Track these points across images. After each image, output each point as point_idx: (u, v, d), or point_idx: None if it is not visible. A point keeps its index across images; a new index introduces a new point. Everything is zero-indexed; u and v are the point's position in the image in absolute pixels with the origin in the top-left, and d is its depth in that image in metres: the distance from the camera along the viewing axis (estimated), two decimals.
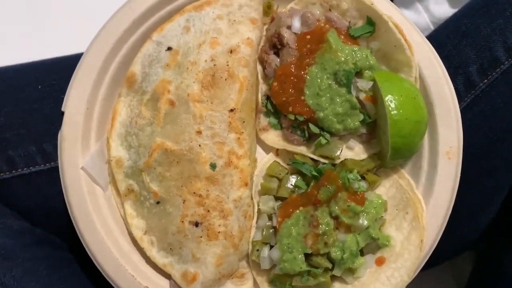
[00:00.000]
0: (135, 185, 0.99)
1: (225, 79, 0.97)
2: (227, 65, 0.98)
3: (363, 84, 0.99)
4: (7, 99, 1.09)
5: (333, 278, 0.98)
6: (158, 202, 0.97)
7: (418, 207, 0.98)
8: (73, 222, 0.97)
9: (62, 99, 0.99)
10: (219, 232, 0.95)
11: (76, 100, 0.99)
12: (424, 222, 0.97)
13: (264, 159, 1.06)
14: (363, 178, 1.01)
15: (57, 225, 1.08)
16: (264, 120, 1.06)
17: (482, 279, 1.16)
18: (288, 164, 1.03)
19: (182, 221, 0.95)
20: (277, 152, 1.06)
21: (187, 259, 0.96)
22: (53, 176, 1.04)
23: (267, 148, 1.07)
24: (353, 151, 1.03)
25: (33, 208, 1.08)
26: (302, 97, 1.00)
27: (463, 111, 0.99)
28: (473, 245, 1.18)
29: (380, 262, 0.98)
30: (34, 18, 1.46)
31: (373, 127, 1.02)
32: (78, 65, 1.00)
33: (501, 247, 1.11)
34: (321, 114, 0.98)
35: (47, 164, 1.07)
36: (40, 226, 1.08)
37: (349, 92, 0.98)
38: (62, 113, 0.99)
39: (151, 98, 0.99)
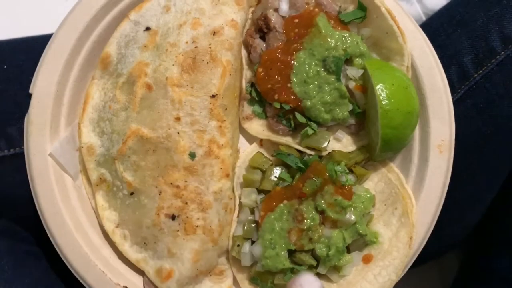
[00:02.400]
0: (108, 175, 0.93)
1: (207, 63, 0.91)
2: (209, 47, 0.92)
3: (353, 72, 0.95)
4: None
5: (318, 276, 0.93)
6: (132, 193, 0.91)
7: (407, 202, 0.94)
8: (39, 213, 0.90)
9: (30, 80, 0.92)
10: (197, 226, 0.89)
11: (46, 82, 0.92)
12: (414, 218, 0.92)
13: (247, 150, 1.00)
14: (350, 171, 0.97)
15: (21, 216, 1.01)
16: (248, 109, 1.01)
17: (469, 277, 1.13)
18: (272, 156, 0.98)
19: (158, 214, 0.89)
20: (261, 142, 1.01)
21: (162, 255, 0.90)
22: (18, 163, 0.96)
23: (250, 138, 1.01)
24: (341, 143, 0.98)
25: None
26: (289, 85, 0.94)
27: (456, 103, 0.95)
28: (461, 244, 1.14)
29: (367, 259, 0.93)
30: None
31: (362, 118, 0.98)
32: (48, 43, 0.93)
33: (490, 245, 1.08)
34: (308, 103, 0.93)
35: (11, 150, 1.00)
36: (2, 216, 1.01)
37: (338, 80, 0.93)
38: (30, 96, 0.91)
39: (126, 81, 0.93)
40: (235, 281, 0.95)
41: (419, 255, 0.95)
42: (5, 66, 1.02)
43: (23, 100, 0.92)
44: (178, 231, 0.89)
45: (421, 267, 1.26)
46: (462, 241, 1.12)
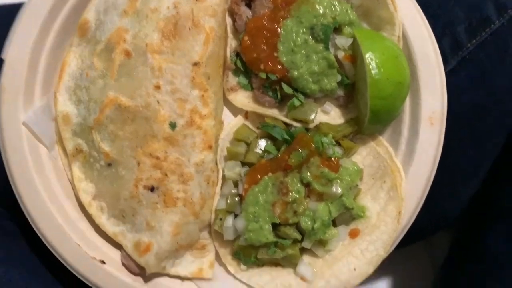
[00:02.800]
0: (84, 145, 0.89)
1: (189, 29, 0.87)
2: (192, 13, 0.88)
3: (342, 41, 0.91)
4: None
5: (302, 251, 0.90)
6: (109, 164, 0.87)
7: (396, 176, 0.91)
8: (11, 184, 0.87)
9: (2, 45, 0.87)
10: (177, 198, 0.86)
11: (19, 48, 0.88)
12: (403, 192, 0.90)
13: (232, 122, 0.97)
14: (338, 144, 0.94)
15: None
16: (233, 80, 0.97)
17: (461, 256, 1.10)
18: (257, 128, 0.94)
19: (136, 186, 0.86)
20: (246, 115, 0.97)
21: (141, 228, 0.86)
22: None
23: (235, 111, 0.98)
24: (329, 116, 0.95)
25: None
26: (275, 54, 0.91)
27: (448, 74, 0.92)
28: (452, 222, 1.12)
29: (354, 234, 0.90)
30: None
31: (351, 90, 0.95)
32: (22, 7, 0.89)
33: (483, 222, 1.06)
34: (295, 73, 0.90)
35: None
36: None
37: (327, 48, 0.90)
38: (2, 61, 0.87)
39: (105, 48, 0.89)
40: (217, 256, 0.92)
41: (410, 233, 0.92)
42: None
43: None
44: (157, 203, 0.85)
45: (411, 247, 1.24)
46: (454, 218, 1.09)
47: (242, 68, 0.96)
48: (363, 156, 0.96)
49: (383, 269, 1.19)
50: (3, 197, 0.96)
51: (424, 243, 1.35)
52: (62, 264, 0.87)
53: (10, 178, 0.86)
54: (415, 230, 0.92)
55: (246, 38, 0.92)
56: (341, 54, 0.91)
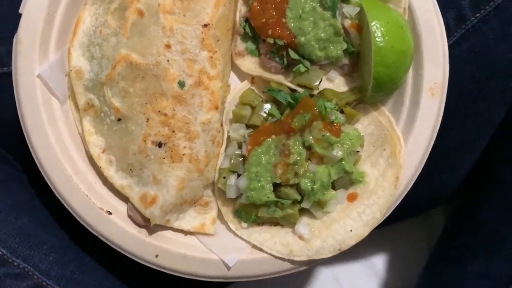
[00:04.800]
0: (96, 100, 0.94)
1: None
2: None
3: (349, 9, 0.94)
4: None
5: (302, 211, 0.95)
6: (119, 119, 0.92)
7: (396, 143, 0.95)
8: (24, 133, 0.91)
9: (20, 1, 0.92)
10: (183, 154, 0.91)
11: (36, 3, 0.92)
12: (402, 159, 0.94)
13: (238, 86, 1.01)
14: (341, 112, 0.97)
15: (6, 138, 1.02)
16: (241, 45, 1.01)
17: (457, 231, 1.15)
18: (263, 92, 0.99)
19: (145, 141, 0.90)
20: (253, 80, 1.02)
21: (148, 181, 0.91)
22: (5, 82, 0.97)
23: (242, 76, 1.02)
24: (333, 83, 0.99)
25: None
26: (284, 20, 0.94)
27: (451, 47, 0.95)
28: (449, 196, 1.16)
29: (352, 198, 0.95)
30: None
31: (356, 60, 0.98)
32: None
33: (479, 197, 1.10)
34: (302, 39, 0.94)
35: None
36: None
37: (334, 16, 0.93)
38: (20, 15, 0.92)
39: (118, 7, 0.93)
40: (219, 214, 0.97)
41: (407, 206, 0.96)
42: None
43: (13, 20, 0.92)
44: (164, 158, 0.90)
45: (407, 224, 1.28)
46: (451, 192, 1.13)
47: (250, 34, 1.00)
48: (364, 125, 1.00)
49: (380, 245, 1.25)
50: (14, 146, 1.00)
51: (420, 220, 1.39)
52: (68, 213, 0.92)
53: (23, 128, 0.91)
54: (412, 203, 0.96)
55: (255, 3, 0.96)
56: (347, 23, 0.95)
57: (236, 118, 0.97)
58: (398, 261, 1.41)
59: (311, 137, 0.91)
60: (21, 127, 0.92)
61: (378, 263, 1.40)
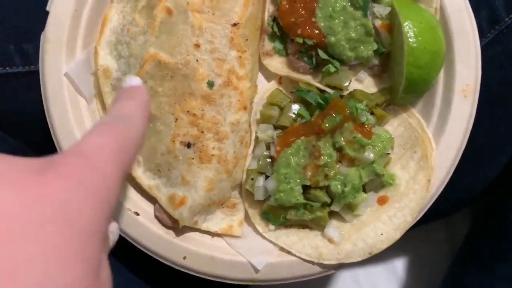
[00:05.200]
0: None
1: None
2: None
3: (380, 9, 0.94)
4: None
5: (331, 214, 0.94)
6: None
7: (427, 146, 0.94)
8: (51, 133, 0.91)
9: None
10: (212, 155, 0.90)
11: (64, 0, 0.91)
12: (433, 162, 0.93)
13: (265, 86, 1.00)
14: (371, 113, 0.96)
15: (31, 137, 1.01)
16: (268, 44, 1.00)
17: (481, 235, 1.14)
18: (291, 93, 0.98)
19: (173, 141, 0.89)
20: (280, 80, 1.01)
21: (176, 182, 0.90)
22: (32, 81, 0.96)
23: (269, 76, 1.01)
24: (363, 84, 0.98)
25: (6, 113, 1.00)
26: (313, 19, 0.93)
27: (484, 48, 0.94)
28: (477, 198, 1.15)
29: (382, 201, 0.94)
30: None
31: (385, 60, 0.97)
32: None
33: (506, 201, 1.08)
34: (333, 39, 0.92)
35: (26, 67, 0.99)
36: (11, 134, 1.01)
37: (365, 15, 0.92)
38: (47, 13, 0.91)
39: (146, 5, 0.92)
40: (246, 216, 0.96)
41: (432, 209, 0.95)
42: None
43: (40, 18, 0.91)
44: (193, 159, 0.89)
45: (429, 227, 1.27)
46: (478, 194, 1.12)
47: (278, 33, 0.99)
48: (394, 127, 0.99)
49: (401, 248, 1.23)
50: (39, 145, 1.00)
51: (441, 223, 1.38)
52: None
53: (50, 128, 0.90)
54: (437, 206, 0.95)
55: (284, 2, 0.95)
56: (378, 23, 0.94)
57: (264, 119, 0.96)
58: (419, 264, 1.40)
59: (342, 138, 0.90)
60: (45, 126, 0.91)
61: (399, 266, 1.39)
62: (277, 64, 0.99)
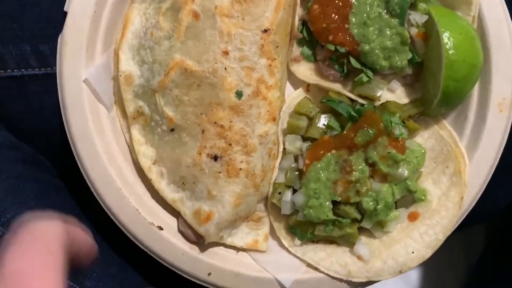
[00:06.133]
0: (146, 108, 0.89)
1: None
2: None
3: (417, 17, 0.90)
4: None
5: (360, 230, 0.92)
6: (172, 130, 0.88)
7: (460, 161, 0.92)
8: (70, 143, 0.87)
9: None
10: (240, 169, 0.87)
11: (83, 1, 0.86)
12: (466, 178, 0.91)
13: (293, 94, 0.97)
14: (403, 124, 0.94)
15: (46, 144, 0.97)
16: (296, 50, 0.96)
17: (504, 247, 1.13)
18: (320, 102, 0.94)
19: (200, 153, 0.86)
20: (308, 88, 0.97)
21: (201, 196, 0.87)
22: (48, 84, 0.91)
23: (296, 83, 0.98)
24: (395, 94, 0.95)
25: (22, 118, 0.95)
26: (346, 25, 0.90)
27: None
28: (497, 213, 1.14)
29: (413, 217, 0.92)
30: None
31: (419, 69, 0.94)
32: None
33: None
34: (366, 47, 0.89)
35: (43, 69, 0.94)
36: (27, 141, 0.97)
37: (402, 24, 0.89)
38: (65, 14, 0.86)
39: (171, 7, 0.87)
40: (271, 229, 0.94)
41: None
42: None
43: (57, 17, 0.86)
44: (220, 172, 0.86)
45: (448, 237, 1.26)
46: (503, 208, 1.11)
47: (307, 38, 0.96)
48: (424, 139, 0.97)
49: None
50: (53, 153, 0.96)
51: (460, 234, 1.37)
52: (111, 224, 0.88)
53: (69, 137, 0.87)
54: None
55: (315, 6, 0.91)
56: (414, 31, 0.91)
57: (292, 129, 0.93)
58: (434, 275, 1.40)
59: (375, 153, 0.87)
60: (62, 133, 0.88)
61: (413, 275, 1.39)
62: (305, 70, 0.96)
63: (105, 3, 0.88)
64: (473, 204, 0.93)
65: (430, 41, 0.90)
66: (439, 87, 0.88)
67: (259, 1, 0.86)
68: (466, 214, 0.93)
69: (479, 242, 1.30)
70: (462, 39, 0.86)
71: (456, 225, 0.93)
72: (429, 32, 0.90)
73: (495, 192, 1.08)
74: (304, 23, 0.95)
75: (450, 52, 0.85)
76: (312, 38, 0.95)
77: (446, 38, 0.85)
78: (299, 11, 0.95)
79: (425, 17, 0.90)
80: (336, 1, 0.90)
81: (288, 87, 0.98)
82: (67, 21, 0.86)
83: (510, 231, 1.15)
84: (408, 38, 0.89)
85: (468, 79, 0.89)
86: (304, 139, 0.94)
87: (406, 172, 0.88)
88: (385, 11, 0.89)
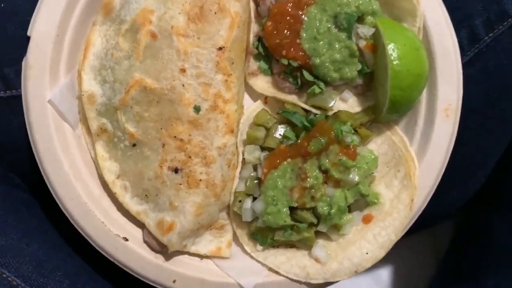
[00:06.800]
0: (109, 125, 0.94)
1: (215, 13, 0.92)
2: None
3: (364, 30, 0.96)
4: None
5: (317, 234, 0.97)
6: (134, 145, 0.93)
7: (410, 165, 0.98)
8: (37, 161, 0.92)
9: (27, 21, 0.91)
10: (200, 180, 0.92)
11: (45, 25, 0.91)
12: (416, 181, 0.97)
13: (252, 107, 1.02)
14: (355, 132, 1.00)
15: (15, 162, 1.02)
16: (253, 64, 1.02)
17: (467, 244, 1.19)
18: (277, 113, 1.00)
19: (161, 166, 0.91)
20: (266, 100, 1.03)
21: (164, 207, 0.93)
22: (14, 106, 0.96)
23: (254, 95, 1.03)
24: (347, 104, 1.01)
25: None
26: (298, 40, 0.96)
27: (465, 66, 0.98)
28: (459, 212, 1.20)
29: (367, 220, 0.98)
30: None
31: (369, 79, 1.00)
32: None
33: (489, 212, 1.14)
34: (317, 60, 0.95)
35: (8, 92, 0.99)
36: None
37: (349, 37, 0.95)
38: (28, 38, 0.91)
39: (130, 29, 0.93)
40: (234, 236, 0.99)
41: (417, 221, 1.00)
42: (2, 5, 1.00)
43: (21, 42, 0.91)
44: (181, 184, 0.92)
45: (414, 237, 1.32)
46: (461, 207, 1.17)
47: (263, 53, 1.01)
48: (378, 144, 1.02)
49: (386, 258, 1.27)
50: (22, 169, 1.00)
51: (427, 233, 1.43)
52: (80, 238, 0.93)
53: (35, 154, 0.91)
54: (422, 218, 0.99)
55: (269, 23, 0.97)
56: (362, 43, 0.96)
57: (251, 140, 0.99)
58: (404, 273, 1.45)
59: (327, 161, 0.93)
60: (30, 151, 0.92)
61: (384, 275, 1.44)
62: (262, 83, 1.02)
63: (67, 27, 0.93)
64: (424, 206, 0.98)
65: (378, 52, 0.96)
66: (387, 96, 0.94)
67: (213, 20, 0.92)
68: (417, 215, 0.98)
69: (446, 240, 1.35)
70: (406, 50, 0.92)
71: (409, 226, 0.98)
72: (377, 43, 0.96)
73: (451, 194, 1.14)
74: (259, 39, 1.01)
75: (395, 62, 0.91)
76: (268, 53, 1.00)
77: (391, 49, 0.91)
78: (254, 28, 1.00)
79: (372, 30, 0.96)
80: (288, 18, 0.96)
81: (248, 99, 1.04)
82: (30, 45, 0.91)
83: (470, 230, 1.21)
84: (356, 51, 0.95)
85: (414, 87, 0.95)
86: (263, 149, 0.99)
87: (357, 177, 0.93)
88: (333, 26, 0.95)
